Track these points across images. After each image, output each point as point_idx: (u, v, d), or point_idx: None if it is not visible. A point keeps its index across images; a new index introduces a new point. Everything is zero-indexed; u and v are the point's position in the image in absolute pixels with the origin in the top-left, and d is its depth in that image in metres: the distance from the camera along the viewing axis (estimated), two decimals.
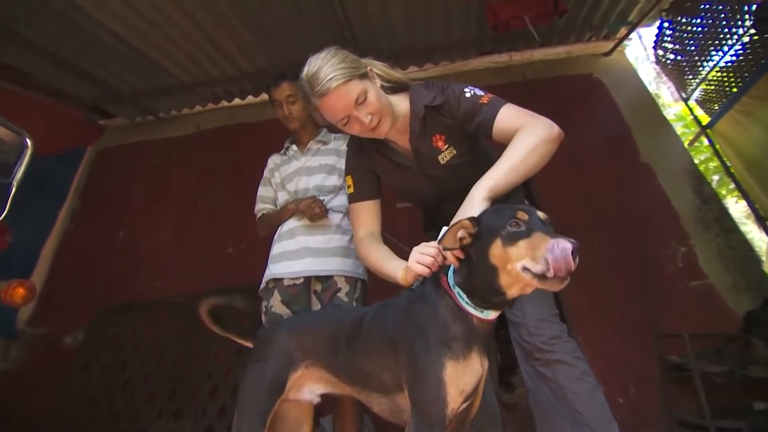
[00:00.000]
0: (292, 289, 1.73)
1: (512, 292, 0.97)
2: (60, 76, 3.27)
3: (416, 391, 1.00)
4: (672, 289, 2.65)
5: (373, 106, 1.19)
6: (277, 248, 1.84)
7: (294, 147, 1.99)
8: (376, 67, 1.29)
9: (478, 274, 0.99)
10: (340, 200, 1.86)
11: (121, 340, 3.02)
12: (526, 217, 0.94)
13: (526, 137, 1.14)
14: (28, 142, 1.32)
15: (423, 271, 1.07)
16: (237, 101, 3.85)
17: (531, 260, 0.88)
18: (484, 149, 1.43)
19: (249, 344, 1.34)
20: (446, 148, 1.33)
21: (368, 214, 1.40)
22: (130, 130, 4.02)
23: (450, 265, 1.05)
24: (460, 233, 1.00)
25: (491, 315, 1.02)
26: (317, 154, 1.92)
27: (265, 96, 3.80)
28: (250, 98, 3.82)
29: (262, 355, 1.23)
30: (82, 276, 3.37)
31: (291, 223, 1.83)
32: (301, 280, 1.74)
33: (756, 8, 1.06)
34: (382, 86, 1.28)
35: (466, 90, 1.27)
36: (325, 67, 1.17)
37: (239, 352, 2.66)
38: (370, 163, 1.43)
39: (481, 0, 2.80)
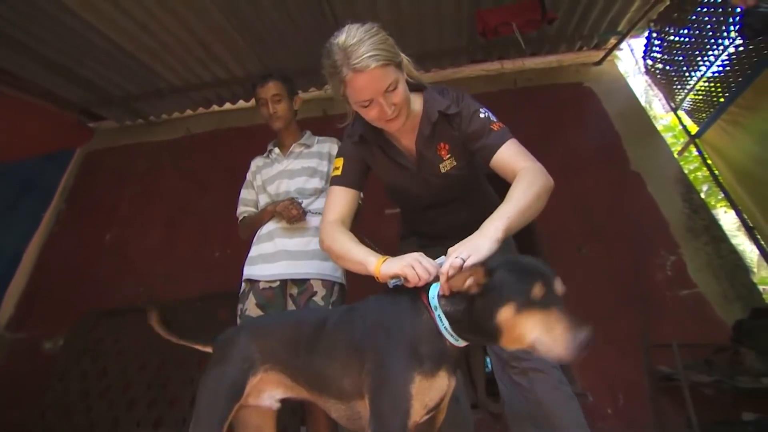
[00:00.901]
0: (267, 292, 1.71)
1: (507, 346, 0.95)
2: (51, 79, 3.25)
3: (379, 400, 0.98)
4: (661, 298, 2.64)
5: (400, 97, 1.16)
6: (254, 250, 1.82)
7: (276, 150, 1.98)
8: (405, 61, 1.26)
9: (477, 320, 0.97)
10: (321, 203, 1.84)
11: (103, 345, 2.96)
12: (544, 290, 0.92)
13: (534, 182, 1.14)
14: None
15: (413, 279, 1.03)
16: (228, 106, 3.84)
17: (546, 339, 0.88)
18: (480, 168, 1.43)
19: (208, 349, 1.29)
20: (448, 158, 1.33)
21: (346, 201, 1.36)
22: (119, 132, 3.99)
23: (432, 285, 1.03)
24: (469, 281, 0.96)
25: (463, 342, 1.01)
26: (299, 157, 1.91)
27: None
28: (242, 103, 3.80)
29: (221, 359, 1.20)
30: (65, 280, 3.31)
31: (270, 226, 1.81)
32: (277, 283, 1.72)
33: (740, 15, 1.08)
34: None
35: (481, 110, 1.27)
36: (367, 41, 1.10)
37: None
38: (366, 155, 1.39)
39: (472, 8, 2.82)
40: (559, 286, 0.94)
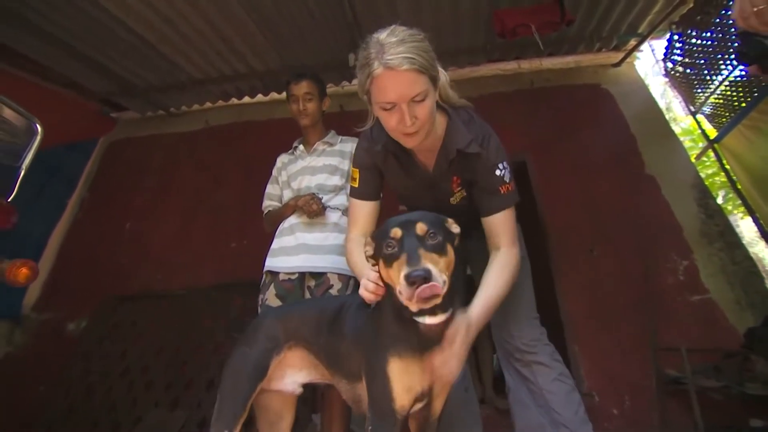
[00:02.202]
0: (287, 283, 1.78)
1: (414, 308, 0.95)
2: (76, 69, 3.35)
3: (369, 384, 1.04)
4: (672, 303, 2.63)
5: (425, 112, 1.11)
6: (276, 243, 1.89)
7: (301, 147, 2.05)
8: (443, 80, 1.23)
9: (390, 290, 1.02)
10: (340, 199, 1.90)
11: (123, 329, 3.07)
12: (399, 234, 0.96)
13: (509, 273, 1.21)
14: (38, 127, 1.36)
15: (369, 298, 1.07)
16: (246, 99, 3.91)
17: (399, 286, 0.91)
18: None
19: None
20: (458, 191, 1.35)
21: (366, 214, 1.38)
22: (140, 123, 4.09)
23: None
24: (366, 249, 1.06)
25: (431, 320, 0.99)
26: (322, 154, 1.98)
27: (275, 95, 3.85)
28: (260, 97, 3.87)
29: (247, 340, 1.25)
30: (87, 265, 3.43)
31: (291, 220, 1.88)
32: (296, 275, 1.78)
33: (737, 44, 1.06)
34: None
35: (500, 166, 1.25)
36: (408, 43, 1.07)
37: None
38: (379, 162, 1.37)
39: (490, 7, 2.82)
40: (420, 227, 0.95)
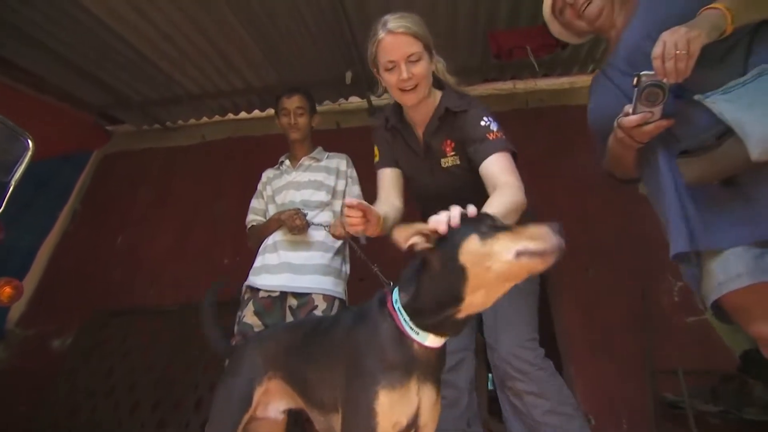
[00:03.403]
0: (266, 300, 1.75)
1: (472, 301, 0.90)
2: (73, 81, 3.34)
3: (347, 417, 0.97)
4: (668, 324, 2.62)
5: (419, 70, 1.32)
6: (259, 260, 1.87)
7: (287, 162, 2.05)
8: (439, 60, 1.47)
9: (433, 284, 0.93)
10: (326, 216, 1.89)
11: (111, 345, 3.00)
12: (492, 220, 0.95)
13: (512, 198, 1.21)
14: (30, 143, 1.34)
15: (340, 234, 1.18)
16: (243, 114, 3.91)
17: (529, 243, 0.86)
18: None
19: None
20: (451, 155, 1.44)
21: (390, 179, 1.54)
22: (136, 136, 4.08)
23: (397, 287, 1.02)
24: (415, 238, 0.93)
25: (433, 341, 0.96)
26: (308, 170, 1.97)
27: (271, 111, 3.84)
28: (257, 112, 3.87)
29: (231, 370, 1.25)
30: (77, 279, 3.37)
31: (275, 237, 1.86)
32: (277, 293, 1.76)
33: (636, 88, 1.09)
34: (433, 73, 1.42)
35: (485, 118, 1.37)
36: (409, 17, 1.35)
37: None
38: (391, 140, 1.57)
39: (487, 28, 2.87)
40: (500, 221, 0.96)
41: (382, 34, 1.32)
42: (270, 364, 1.22)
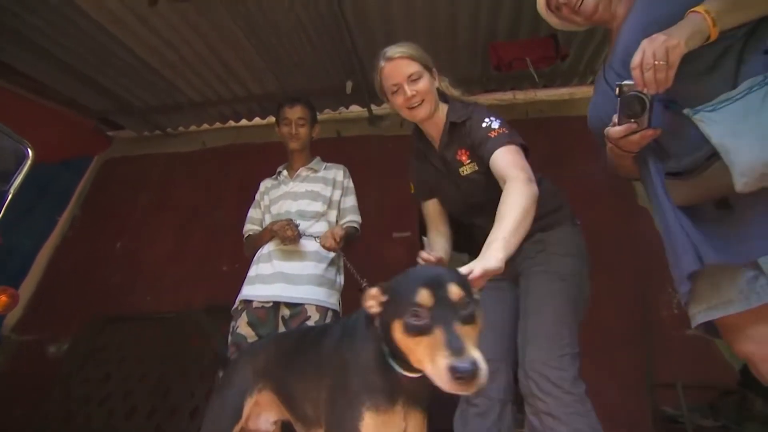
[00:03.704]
0: (260, 311, 1.75)
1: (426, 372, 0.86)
2: (74, 87, 3.36)
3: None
4: (667, 336, 2.61)
5: (421, 87, 1.40)
6: (253, 270, 1.87)
7: (285, 172, 2.06)
8: (443, 79, 1.54)
9: (389, 342, 0.90)
10: (321, 227, 1.89)
11: (107, 352, 2.98)
12: (429, 303, 0.83)
13: (520, 198, 1.18)
14: (29, 151, 1.35)
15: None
16: (244, 122, 3.92)
17: (431, 366, 0.79)
18: None
19: None
20: (468, 163, 1.46)
21: (433, 212, 1.62)
22: (136, 142, 4.08)
23: None
24: (369, 303, 0.94)
25: (413, 373, 0.92)
26: (305, 180, 1.98)
27: (272, 119, 3.87)
28: (257, 120, 3.89)
29: (224, 383, 1.25)
30: (75, 284, 3.36)
31: (270, 247, 1.86)
32: (270, 303, 1.75)
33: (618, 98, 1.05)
34: (438, 89, 1.49)
35: (486, 120, 1.41)
36: (405, 45, 1.45)
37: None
38: (418, 166, 1.65)
39: (487, 39, 2.89)
40: (454, 292, 0.84)
41: (382, 63, 1.43)
42: (260, 376, 1.22)
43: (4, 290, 1.34)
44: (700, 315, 1.07)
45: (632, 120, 1.03)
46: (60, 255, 3.56)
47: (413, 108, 1.42)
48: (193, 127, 4.02)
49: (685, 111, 1.02)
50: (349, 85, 3.19)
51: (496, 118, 1.42)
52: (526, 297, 1.44)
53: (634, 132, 1.04)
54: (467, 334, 0.80)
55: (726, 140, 0.94)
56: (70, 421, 2.68)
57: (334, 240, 1.70)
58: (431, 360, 0.78)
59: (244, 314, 1.75)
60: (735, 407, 2.18)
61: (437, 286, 0.84)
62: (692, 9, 0.97)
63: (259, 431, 1.26)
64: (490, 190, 1.36)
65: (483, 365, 0.77)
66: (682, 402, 2.15)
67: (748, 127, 0.92)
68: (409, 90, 1.39)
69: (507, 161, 1.30)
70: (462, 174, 1.48)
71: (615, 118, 1.07)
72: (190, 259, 3.38)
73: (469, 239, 1.62)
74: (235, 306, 1.83)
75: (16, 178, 1.27)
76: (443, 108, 1.52)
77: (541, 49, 2.54)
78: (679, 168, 1.07)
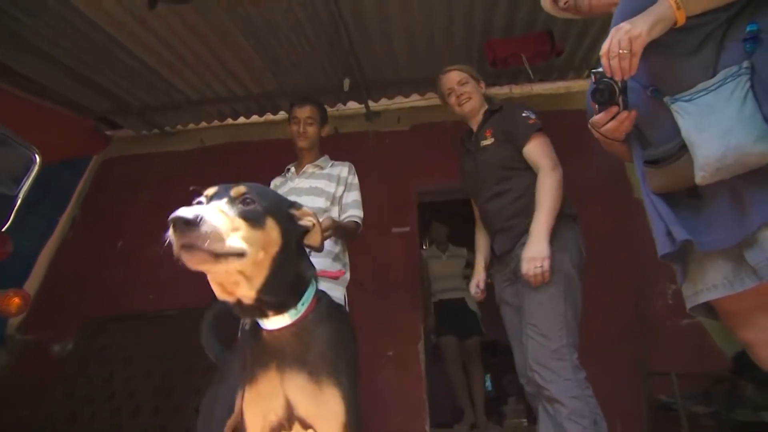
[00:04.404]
0: None
1: (221, 295, 0.91)
2: (73, 88, 3.36)
3: None
4: (662, 327, 2.67)
5: (467, 90, 1.91)
6: None
7: (293, 169, 2.09)
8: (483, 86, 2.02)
9: None
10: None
11: (110, 351, 3.01)
12: (212, 191, 0.88)
13: (551, 186, 1.65)
14: (37, 157, 1.37)
15: None
16: (242, 120, 3.94)
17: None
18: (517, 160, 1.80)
19: None
20: (489, 138, 1.83)
21: (477, 213, 2.05)
22: (135, 141, 4.09)
23: None
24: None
25: (271, 325, 0.90)
26: (310, 177, 2.01)
27: (270, 116, 3.89)
28: (255, 118, 3.90)
29: (218, 377, 1.26)
30: (76, 284, 3.38)
31: None
32: None
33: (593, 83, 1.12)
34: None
35: (525, 112, 1.81)
36: (457, 64, 2.02)
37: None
38: (462, 160, 2.05)
39: (483, 35, 2.91)
40: (234, 191, 0.89)
41: (440, 76, 1.99)
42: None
43: (16, 292, 1.38)
44: (690, 298, 1.14)
45: (605, 106, 1.08)
46: (61, 256, 3.58)
47: (462, 104, 1.90)
48: (191, 126, 4.03)
49: (665, 99, 1.06)
50: (346, 82, 3.22)
51: (532, 111, 1.82)
52: (523, 296, 1.63)
53: (612, 118, 1.08)
54: (235, 224, 0.80)
55: (692, 134, 0.99)
56: (75, 420, 2.71)
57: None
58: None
59: None
60: (727, 394, 2.24)
61: (226, 185, 0.87)
62: None
63: None
64: (496, 160, 1.79)
65: (215, 223, 0.75)
66: (676, 390, 2.20)
67: (711, 122, 0.96)
68: (458, 91, 1.90)
69: (538, 152, 1.71)
70: (481, 145, 1.84)
71: (596, 107, 1.12)
72: None
73: (486, 223, 1.96)
74: None
75: (24, 184, 1.30)
76: (485, 106, 1.95)
77: (537, 45, 2.56)
78: (656, 156, 1.11)
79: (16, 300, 1.37)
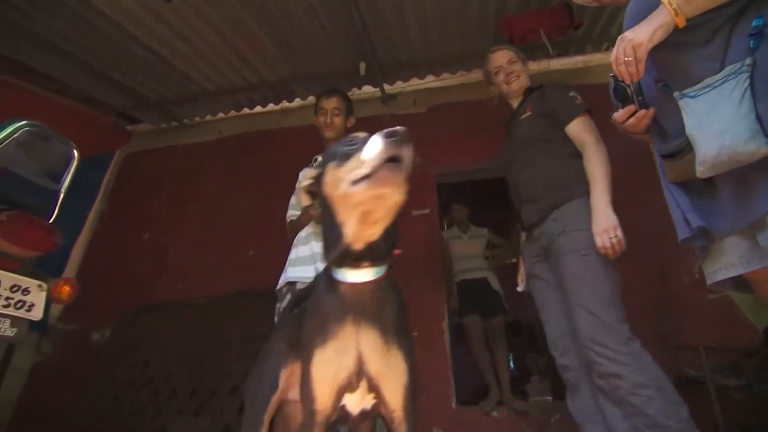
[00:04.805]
0: (302, 292, 1.82)
1: (353, 230, 0.85)
2: (93, 85, 3.44)
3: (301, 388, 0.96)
4: (689, 301, 2.63)
5: (516, 69, 1.94)
6: (293, 253, 1.95)
7: (320, 158, 2.12)
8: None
9: (324, 219, 0.91)
10: None
11: (145, 339, 3.14)
12: (362, 135, 0.85)
13: (601, 158, 1.69)
14: (75, 152, 1.43)
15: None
16: (258, 109, 3.97)
17: (360, 167, 0.78)
18: (552, 137, 1.82)
19: None
20: (528, 113, 1.86)
21: None
22: (155, 135, 4.17)
23: None
24: (305, 183, 0.97)
25: (354, 276, 0.90)
26: None
27: (286, 104, 3.91)
28: (271, 106, 3.92)
29: (262, 356, 1.30)
30: (108, 276, 3.51)
31: (308, 230, 1.93)
32: None
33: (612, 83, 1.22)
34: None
35: (572, 92, 1.83)
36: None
37: (257, 353, 2.75)
38: (506, 145, 2.05)
39: (498, 12, 2.85)
40: (399, 128, 0.83)
41: (489, 54, 2.04)
42: (293, 348, 1.25)
43: (66, 281, 1.45)
44: (710, 276, 1.22)
45: (624, 104, 1.19)
46: (92, 249, 3.72)
47: (510, 82, 1.93)
48: (208, 117, 4.09)
49: (675, 94, 1.12)
50: (362, 66, 3.20)
51: (576, 92, 1.84)
52: (563, 281, 1.63)
53: (632, 115, 1.19)
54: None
55: (694, 131, 1.06)
56: (118, 402, 2.86)
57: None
58: (363, 160, 0.77)
59: (288, 295, 1.84)
60: (757, 367, 2.21)
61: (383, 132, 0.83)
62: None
63: (298, 402, 1.32)
64: (532, 133, 1.81)
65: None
66: (704, 363, 2.19)
67: (711, 120, 1.02)
68: (507, 69, 1.93)
69: (583, 128, 1.72)
70: (521, 119, 1.88)
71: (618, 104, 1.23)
72: (217, 246, 3.49)
73: (515, 196, 1.96)
74: (279, 287, 1.92)
75: (65, 179, 1.36)
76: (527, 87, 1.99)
77: (555, 19, 2.50)
78: (669, 151, 1.19)
79: (67, 288, 1.45)
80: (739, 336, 2.47)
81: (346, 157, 0.83)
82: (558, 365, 1.71)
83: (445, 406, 2.67)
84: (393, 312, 0.96)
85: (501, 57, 1.97)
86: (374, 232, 0.86)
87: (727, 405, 2.14)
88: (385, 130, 0.76)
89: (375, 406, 0.97)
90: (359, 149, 0.81)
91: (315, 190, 0.96)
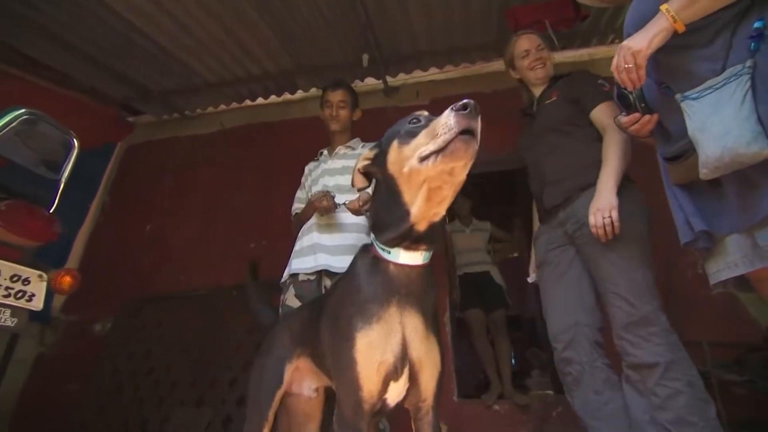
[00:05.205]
0: (306, 284, 1.82)
1: (419, 209, 0.84)
2: (95, 76, 3.43)
3: (335, 377, 0.92)
4: (692, 297, 2.62)
5: (544, 55, 1.89)
6: (298, 244, 1.95)
7: (325, 152, 2.13)
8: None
9: (382, 199, 0.89)
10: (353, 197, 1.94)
11: (147, 330, 3.15)
12: (426, 112, 0.88)
13: (619, 142, 1.59)
14: (75, 141, 1.42)
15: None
16: (260, 100, 3.94)
17: (428, 143, 0.78)
18: (576, 124, 1.77)
19: None
20: (554, 98, 1.81)
21: None
22: (157, 127, 4.16)
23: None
24: (362, 164, 0.98)
25: (407, 258, 0.88)
26: (342, 157, 2.04)
27: (288, 96, 3.89)
28: (273, 98, 3.90)
29: (263, 350, 1.29)
30: (111, 267, 3.52)
31: (312, 221, 1.93)
32: (315, 275, 1.83)
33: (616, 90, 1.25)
34: None
35: (601, 80, 1.76)
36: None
37: (258, 346, 2.75)
38: (523, 135, 2.01)
39: (502, 4, 2.81)
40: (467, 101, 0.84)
41: (515, 37, 1.96)
42: (297, 342, 1.26)
43: (68, 271, 1.45)
44: (712, 275, 1.23)
45: (628, 110, 1.22)
46: (94, 240, 3.72)
47: (536, 68, 1.86)
48: (210, 108, 4.07)
49: (677, 96, 1.12)
50: (365, 57, 3.17)
51: (604, 80, 1.77)
52: (597, 268, 1.57)
53: (637, 121, 1.21)
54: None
55: (696, 134, 1.06)
56: (121, 392, 2.88)
57: (358, 202, 1.71)
58: (432, 134, 0.78)
59: (291, 287, 1.84)
60: (761, 363, 2.20)
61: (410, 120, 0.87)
62: (660, 5, 1.08)
63: (302, 396, 1.31)
64: (556, 116, 1.77)
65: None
66: (708, 358, 2.18)
67: (713, 122, 1.02)
68: (535, 54, 1.86)
69: (606, 114, 1.62)
70: (545, 104, 1.83)
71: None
72: (218, 238, 3.49)
73: (536, 179, 1.91)
74: (283, 279, 1.92)
75: (65, 168, 1.35)
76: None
77: (560, 11, 2.46)
78: (672, 153, 1.20)
79: (68, 279, 1.45)
80: (742, 332, 2.46)
81: (411, 134, 0.84)
82: (559, 358, 1.66)
83: (447, 399, 2.67)
84: (432, 299, 0.96)
85: (528, 41, 1.90)
86: (439, 211, 0.87)
87: (730, 400, 2.14)
88: (456, 104, 0.78)
89: (405, 398, 0.94)
90: (425, 126, 0.82)
91: (372, 171, 0.95)
